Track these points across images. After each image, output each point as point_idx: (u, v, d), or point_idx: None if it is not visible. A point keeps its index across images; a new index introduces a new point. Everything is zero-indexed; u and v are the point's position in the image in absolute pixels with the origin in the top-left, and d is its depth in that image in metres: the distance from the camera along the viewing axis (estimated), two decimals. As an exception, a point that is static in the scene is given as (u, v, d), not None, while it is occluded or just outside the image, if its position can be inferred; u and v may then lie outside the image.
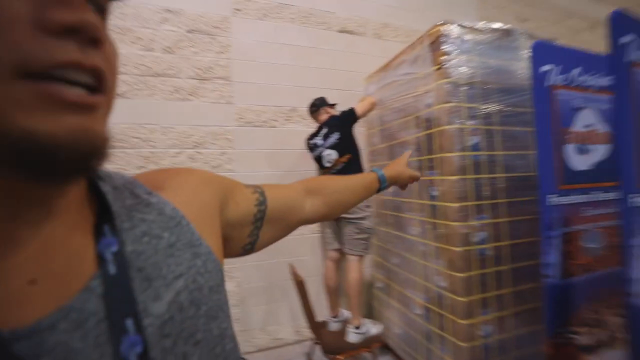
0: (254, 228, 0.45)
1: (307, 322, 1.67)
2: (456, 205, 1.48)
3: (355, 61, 2.42)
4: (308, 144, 2.07)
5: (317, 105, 2.09)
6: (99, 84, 0.23)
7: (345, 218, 1.90)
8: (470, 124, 1.51)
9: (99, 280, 0.24)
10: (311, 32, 2.33)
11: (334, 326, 1.91)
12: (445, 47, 1.51)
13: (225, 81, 2.13)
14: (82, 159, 0.22)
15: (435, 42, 1.56)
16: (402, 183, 0.75)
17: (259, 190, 0.47)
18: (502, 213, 1.55)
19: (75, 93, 0.21)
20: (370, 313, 2.39)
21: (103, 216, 0.28)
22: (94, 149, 0.22)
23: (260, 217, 0.45)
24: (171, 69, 2.01)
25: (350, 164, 1.95)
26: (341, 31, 2.41)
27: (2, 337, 0.20)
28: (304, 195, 0.55)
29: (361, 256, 1.89)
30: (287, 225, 0.52)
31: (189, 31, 2.05)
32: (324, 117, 2.05)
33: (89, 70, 0.22)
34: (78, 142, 0.21)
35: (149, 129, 1.96)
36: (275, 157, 2.23)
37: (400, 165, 0.74)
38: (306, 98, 2.27)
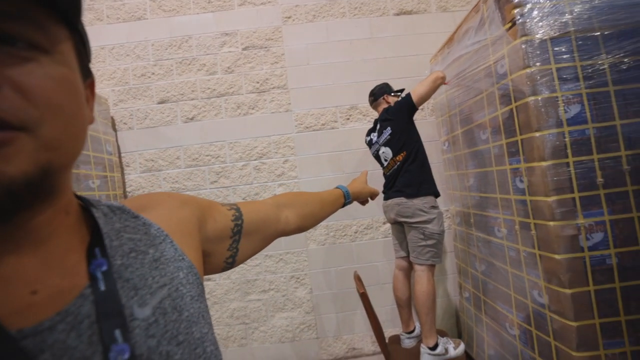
0: (232, 241, 0.48)
1: (375, 336, 1.49)
2: (552, 199, 1.11)
3: (418, 43, 2.12)
4: (365, 140, 1.87)
5: (375, 95, 1.83)
6: (8, 120, 0.23)
7: (406, 222, 1.62)
8: (566, 89, 1.12)
9: (91, 290, 0.28)
10: (364, 22, 2.13)
11: (407, 343, 1.67)
12: (516, -3, 1.15)
13: (282, 90, 2.11)
14: None
15: (503, -7, 1.21)
16: (362, 199, 0.82)
17: (235, 207, 0.50)
18: (628, 206, 1.09)
19: None
20: (457, 327, 2.05)
21: (95, 239, 0.31)
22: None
23: (237, 231, 0.48)
24: (232, 87, 2.09)
25: (406, 163, 1.64)
26: (398, 14, 2.14)
27: (11, 336, 0.23)
28: (277, 208, 0.58)
29: (431, 265, 1.58)
30: (264, 237, 0.54)
31: (244, 49, 2.10)
32: (382, 108, 1.80)
33: None
34: None
35: (218, 145, 2.08)
36: (338, 159, 2.11)
37: (361, 183, 0.82)
38: (365, 93, 2.09)
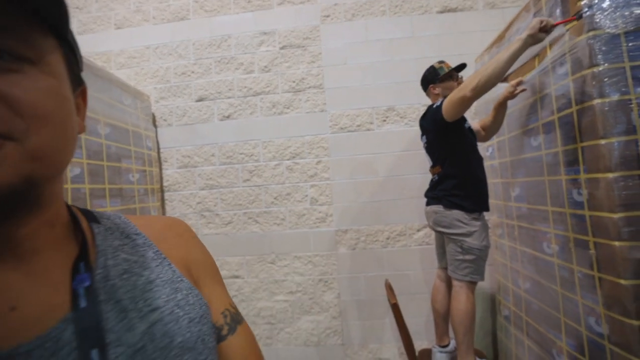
0: None
1: (405, 349, 1.40)
2: (618, 215, 0.97)
3: (463, 42, 1.99)
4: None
5: (423, 84, 1.61)
6: None
7: (444, 233, 1.49)
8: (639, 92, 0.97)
9: (73, 313, 0.27)
10: (406, 20, 2.04)
11: (439, 357, 1.55)
12: (583, -12, 1.02)
13: (318, 89, 2.07)
14: None
15: (568, -16, 1.08)
16: None
17: (234, 321, 0.40)
18: None
19: None
20: (493, 347, 1.89)
21: (82, 254, 0.30)
22: None
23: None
24: (268, 86, 2.09)
25: (443, 181, 1.48)
26: (442, 11, 2.02)
27: None
28: None
29: (470, 282, 1.43)
30: None
31: (282, 48, 2.09)
32: (432, 100, 1.59)
33: None
34: None
35: (252, 144, 2.08)
36: (373, 162, 2.03)
37: None
38: (404, 95, 2.01)
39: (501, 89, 1.42)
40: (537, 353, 1.43)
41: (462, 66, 1.58)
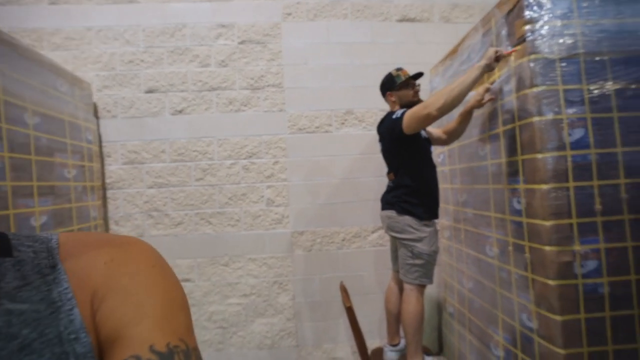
0: None
1: (358, 351, 1.43)
2: (550, 223, 1.07)
3: (419, 52, 2.08)
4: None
5: (382, 90, 1.64)
6: None
7: (397, 237, 1.55)
8: (570, 112, 1.08)
9: None
10: (366, 25, 2.07)
11: (390, 356, 1.62)
12: (528, 13, 1.11)
13: (277, 88, 2.03)
14: None
15: (515, 7, 1.17)
16: None
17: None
18: (623, 235, 1.06)
19: None
20: (438, 341, 2.01)
21: None
22: None
23: None
24: (225, 81, 1.99)
25: (397, 188, 1.53)
26: (401, 20, 2.09)
27: None
28: None
29: (419, 285, 1.49)
30: None
31: (241, 42, 2.00)
32: (390, 107, 1.63)
33: None
34: None
35: (206, 141, 1.98)
36: (330, 165, 2.04)
37: None
38: (363, 99, 2.04)
39: (468, 96, 1.48)
40: (477, 347, 1.54)
41: (419, 75, 1.61)
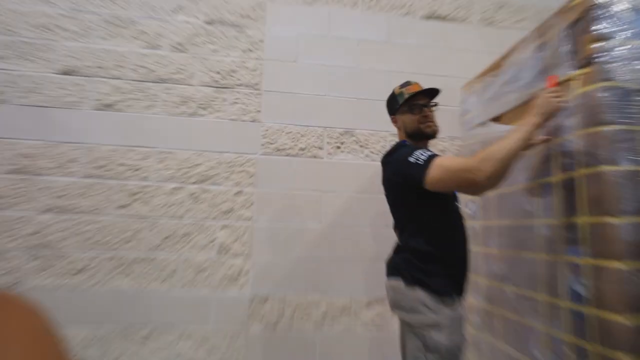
0: None
1: None
2: (628, 322, 1.05)
3: (449, 61, 2.17)
4: None
5: (389, 112, 1.65)
6: None
7: (402, 319, 1.47)
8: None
9: None
10: (382, 19, 2.16)
11: None
12: (599, 27, 1.17)
13: (252, 90, 2.05)
14: None
15: (582, 19, 1.23)
16: None
17: None
18: None
19: None
20: None
21: None
22: None
23: None
24: (180, 72, 2.00)
25: (406, 247, 1.49)
26: (429, 17, 2.19)
27: None
28: None
29: None
30: None
31: (208, 22, 2.05)
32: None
33: None
34: None
35: (142, 153, 1.94)
36: (316, 203, 2.03)
37: None
38: (368, 116, 2.07)
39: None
40: None
41: (432, 92, 1.54)
